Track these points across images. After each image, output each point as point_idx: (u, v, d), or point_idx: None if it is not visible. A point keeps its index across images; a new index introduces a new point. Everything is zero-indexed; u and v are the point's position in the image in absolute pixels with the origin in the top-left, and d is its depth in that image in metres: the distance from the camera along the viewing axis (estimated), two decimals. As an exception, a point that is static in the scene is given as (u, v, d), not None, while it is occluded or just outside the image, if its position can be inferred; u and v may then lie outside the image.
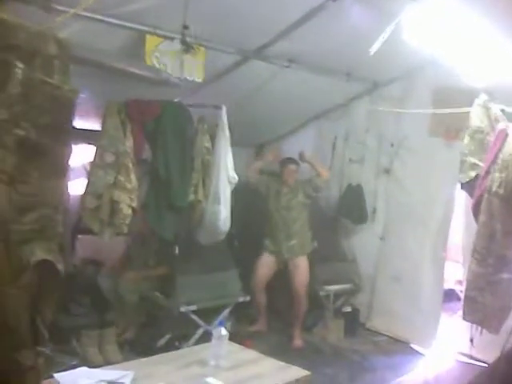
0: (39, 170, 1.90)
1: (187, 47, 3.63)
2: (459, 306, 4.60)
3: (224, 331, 2.93)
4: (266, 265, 5.31)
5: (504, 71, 3.92)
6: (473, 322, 3.20)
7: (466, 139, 3.44)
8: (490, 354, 3.42)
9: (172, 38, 3.63)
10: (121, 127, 3.88)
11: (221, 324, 3.15)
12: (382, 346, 5.25)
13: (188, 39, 3.61)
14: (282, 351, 4.62)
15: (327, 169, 5.56)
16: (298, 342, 5.16)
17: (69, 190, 2.18)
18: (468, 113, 3.53)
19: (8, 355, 1.80)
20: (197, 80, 3.83)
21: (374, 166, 5.76)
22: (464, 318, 3.23)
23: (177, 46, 3.64)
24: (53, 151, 1.95)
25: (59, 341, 3.91)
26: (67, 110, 2.01)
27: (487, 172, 3.06)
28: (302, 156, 5.30)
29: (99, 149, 3.84)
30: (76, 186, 3.87)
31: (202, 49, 3.80)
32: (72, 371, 2.67)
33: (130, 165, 3.86)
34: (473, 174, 3.33)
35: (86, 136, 4.02)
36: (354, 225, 5.86)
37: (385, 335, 5.43)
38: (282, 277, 5.34)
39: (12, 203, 1.83)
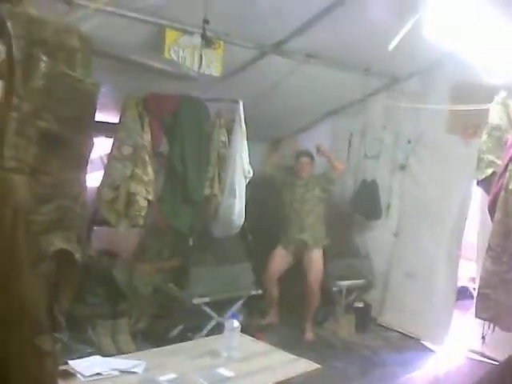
0: (60, 161, 1.93)
1: (207, 41, 3.65)
2: (472, 304, 4.61)
3: (236, 323, 2.97)
4: (279, 258, 5.34)
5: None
6: (485, 320, 3.20)
7: (484, 136, 3.42)
8: (501, 352, 3.43)
9: (191, 33, 3.65)
10: (139, 120, 3.92)
11: (233, 316, 3.18)
12: (393, 341, 5.26)
13: (208, 33, 3.63)
14: (293, 344, 4.63)
15: (343, 162, 5.54)
16: (309, 335, 5.18)
17: (87, 182, 2.22)
18: (487, 110, 3.51)
19: (27, 340, 1.84)
20: (214, 74, 3.85)
21: (389, 162, 5.75)
22: (476, 316, 3.23)
23: (196, 40, 3.67)
24: (74, 143, 1.99)
25: (75, 329, 3.99)
26: (89, 102, 2.04)
27: (504, 169, 3.04)
28: (318, 148, 5.30)
29: (117, 141, 3.89)
30: (93, 178, 3.92)
31: (221, 43, 3.82)
32: (86, 359, 2.72)
33: (147, 158, 3.91)
34: (489, 171, 3.32)
35: (104, 128, 4.06)
36: (368, 221, 5.86)
37: (396, 331, 5.43)
38: (295, 270, 5.36)
39: (32, 193, 1.86)
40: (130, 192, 3.81)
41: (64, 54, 1.95)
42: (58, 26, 1.95)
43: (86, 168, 2.10)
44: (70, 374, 2.44)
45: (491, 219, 3.20)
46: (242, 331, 3.07)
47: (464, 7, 3.70)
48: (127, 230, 3.97)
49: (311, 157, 5.35)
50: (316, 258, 5.25)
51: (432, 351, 5.04)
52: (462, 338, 5.06)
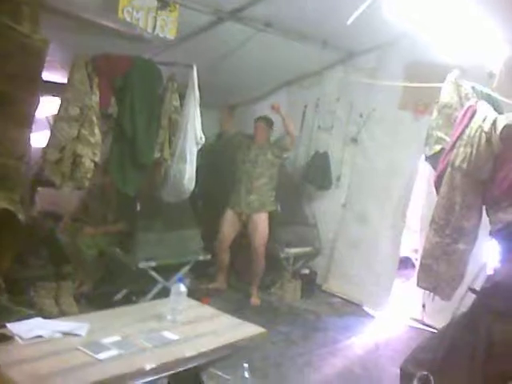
0: (4, 119, 1.88)
1: (163, 4, 3.57)
2: (413, 273, 4.78)
3: (183, 287, 2.96)
4: (229, 222, 5.37)
5: (477, 48, 3.98)
6: (426, 289, 3.30)
7: (435, 113, 3.48)
8: (440, 320, 3.58)
9: (147, -7, 3.56)
10: (87, 81, 3.81)
11: (180, 280, 3.16)
12: (336, 307, 5.40)
13: (164, -4, 3.55)
14: (240, 309, 4.73)
15: (296, 129, 5.56)
16: (255, 300, 5.26)
17: (32, 142, 2.16)
18: (439, 88, 3.57)
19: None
20: (169, 37, 3.77)
21: (341, 134, 5.83)
22: (418, 285, 3.34)
23: (151, 1, 3.57)
24: (19, 101, 1.93)
25: (16, 292, 3.90)
26: (36, 59, 1.98)
27: (452, 146, 3.12)
28: (274, 106, 5.30)
29: (64, 102, 3.77)
30: (38, 139, 3.80)
31: (177, 6, 3.74)
32: (27, 321, 2.64)
33: (95, 119, 3.82)
34: (438, 147, 3.39)
35: (52, 88, 3.94)
36: (319, 191, 5.96)
37: (340, 297, 5.59)
38: (244, 236, 5.42)
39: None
40: (76, 153, 3.71)
41: (8, 5, 1.87)
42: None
43: (30, 127, 2.05)
44: (7, 338, 2.36)
45: (437, 193, 3.30)
46: (188, 295, 3.06)
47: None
48: (72, 192, 3.89)
49: (268, 123, 5.38)
50: (261, 221, 5.28)
51: (373, 317, 5.20)
52: (403, 306, 5.24)
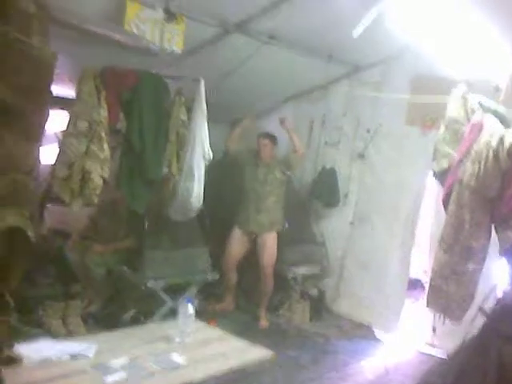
0: (14, 132, 1.82)
1: (170, 16, 3.55)
2: (423, 294, 4.68)
3: (191, 308, 2.93)
4: (237, 241, 5.29)
5: (483, 62, 3.95)
6: (436, 311, 3.24)
7: (442, 129, 3.45)
8: (451, 344, 3.49)
9: (153, 6, 3.54)
10: (96, 94, 3.79)
11: (188, 301, 3.12)
12: (345, 329, 5.29)
13: (171, 8, 3.53)
14: (248, 331, 4.62)
15: (304, 145, 5.50)
16: (263, 322, 5.17)
17: (40, 158, 2.11)
18: (445, 102, 3.54)
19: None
20: (176, 50, 3.75)
21: (348, 150, 5.76)
22: (427, 306, 3.28)
23: (158, 14, 3.57)
24: (28, 114, 1.88)
25: (24, 311, 3.86)
26: (46, 72, 1.93)
27: (459, 162, 3.08)
28: (282, 121, 5.23)
29: (72, 116, 3.75)
30: (47, 155, 3.76)
31: (184, 18, 3.72)
32: (35, 342, 2.64)
33: (104, 134, 3.79)
34: (446, 163, 3.36)
35: (59, 102, 3.91)
36: (326, 208, 5.87)
37: (349, 319, 5.48)
38: (252, 255, 5.33)
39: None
40: (85, 169, 3.68)
41: (18, 18, 1.83)
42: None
43: (40, 141, 1.99)
44: (15, 360, 2.34)
45: (445, 211, 3.25)
46: (196, 317, 3.03)
47: (427, 0, 3.72)
48: (81, 209, 3.84)
49: (272, 139, 5.29)
50: (270, 241, 5.21)
51: (383, 340, 5.10)
52: (413, 329, 5.13)
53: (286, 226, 5.46)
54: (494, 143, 2.84)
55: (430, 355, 4.75)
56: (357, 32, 3.76)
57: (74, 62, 3.78)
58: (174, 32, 3.70)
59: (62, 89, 4.23)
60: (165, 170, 4.16)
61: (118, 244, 4.84)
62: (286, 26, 4.27)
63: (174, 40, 3.72)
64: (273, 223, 5.26)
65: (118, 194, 4.44)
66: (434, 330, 4.67)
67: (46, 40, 2.01)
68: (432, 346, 4.85)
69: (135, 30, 3.50)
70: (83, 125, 3.69)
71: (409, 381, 3.45)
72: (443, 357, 4.28)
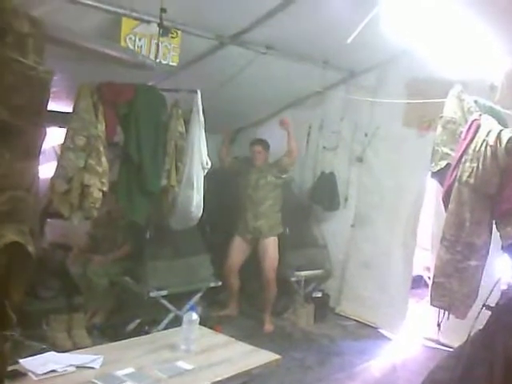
0: (11, 151, 1.85)
1: (164, 30, 3.60)
2: (426, 292, 4.70)
3: (195, 316, 2.94)
4: (237, 248, 5.34)
5: (478, 62, 3.98)
6: (440, 308, 3.25)
7: (439, 129, 3.47)
8: (456, 339, 3.50)
9: (148, 21, 3.59)
10: (93, 110, 3.81)
11: (192, 309, 3.15)
12: (350, 330, 5.33)
13: (165, 23, 3.57)
14: (253, 335, 4.65)
15: (298, 148, 5.52)
16: (268, 326, 5.19)
17: (39, 173, 2.14)
18: (441, 103, 3.56)
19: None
20: (171, 64, 3.80)
21: (347, 154, 5.81)
22: (431, 304, 3.29)
23: (153, 29, 3.61)
24: (26, 133, 1.90)
25: (28, 325, 3.88)
26: (42, 91, 1.95)
27: (458, 162, 3.10)
28: (283, 121, 5.29)
29: (70, 131, 3.77)
30: (46, 169, 3.79)
31: (179, 32, 3.77)
32: (40, 356, 2.64)
33: (102, 148, 3.81)
34: (444, 163, 3.37)
35: (57, 118, 3.95)
36: (327, 212, 5.91)
37: (354, 320, 5.51)
38: (254, 260, 5.36)
39: (-18, 184, 1.78)
40: (83, 184, 3.71)
41: (13, 38, 1.86)
42: (3, 7, 1.85)
43: (38, 158, 2.02)
44: (21, 374, 2.35)
45: (445, 210, 3.27)
46: (200, 323, 3.05)
47: (420, 4, 3.75)
48: (81, 223, 3.88)
49: (264, 145, 5.37)
50: (270, 245, 5.24)
51: (389, 339, 5.13)
52: (418, 326, 5.16)
53: (287, 230, 5.49)
54: (491, 141, 2.86)
55: (436, 350, 4.77)
56: (351, 38, 3.80)
57: (71, 78, 3.81)
58: (170, 46, 3.77)
59: (60, 105, 4.27)
60: (164, 181, 4.19)
61: (117, 252, 4.87)
62: (281, 35, 4.32)
63: (169, 54, 3.78)
64: (272, 227, 5.30)
65: (113, 204, 4.46)
66: (438, 326, 4.68)
67: (41, 58, 2.04)
68: (437, 342, 4.87)
69: (131, 46, 3.56)
70: (81, 140, 3.71)
71: (416, 377, 3.45)
72: (449, 352, 4.28)
